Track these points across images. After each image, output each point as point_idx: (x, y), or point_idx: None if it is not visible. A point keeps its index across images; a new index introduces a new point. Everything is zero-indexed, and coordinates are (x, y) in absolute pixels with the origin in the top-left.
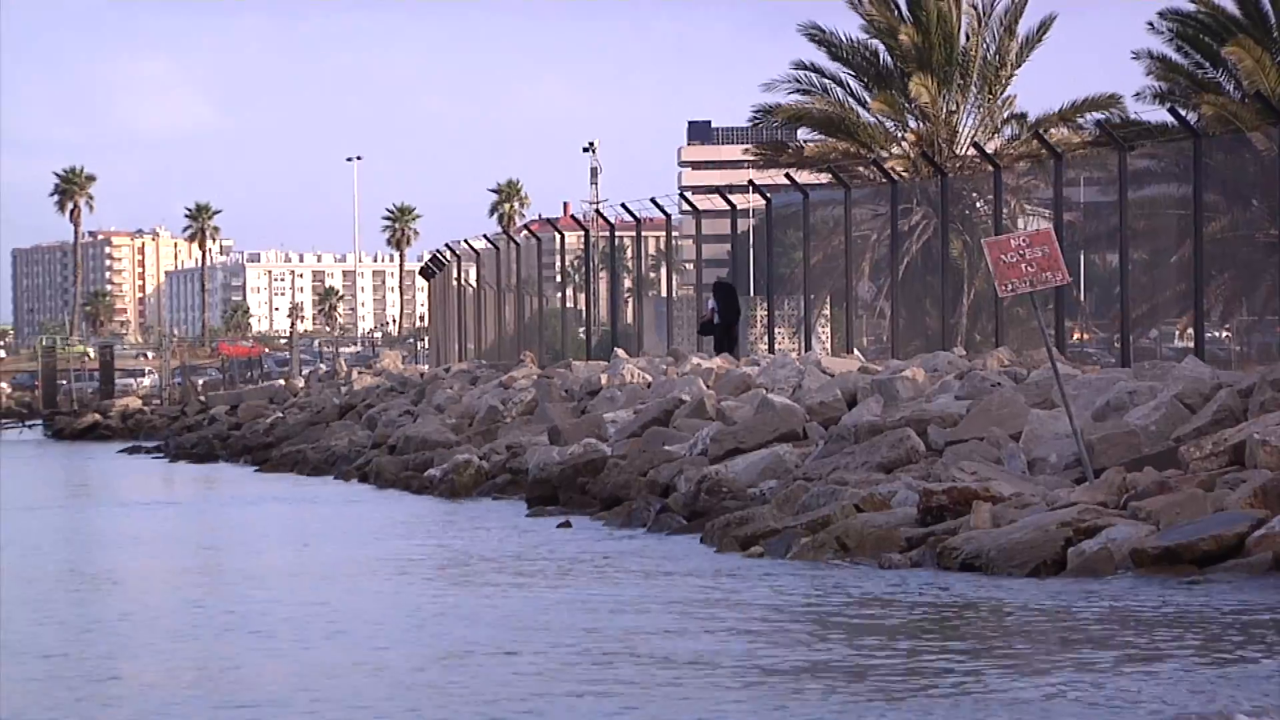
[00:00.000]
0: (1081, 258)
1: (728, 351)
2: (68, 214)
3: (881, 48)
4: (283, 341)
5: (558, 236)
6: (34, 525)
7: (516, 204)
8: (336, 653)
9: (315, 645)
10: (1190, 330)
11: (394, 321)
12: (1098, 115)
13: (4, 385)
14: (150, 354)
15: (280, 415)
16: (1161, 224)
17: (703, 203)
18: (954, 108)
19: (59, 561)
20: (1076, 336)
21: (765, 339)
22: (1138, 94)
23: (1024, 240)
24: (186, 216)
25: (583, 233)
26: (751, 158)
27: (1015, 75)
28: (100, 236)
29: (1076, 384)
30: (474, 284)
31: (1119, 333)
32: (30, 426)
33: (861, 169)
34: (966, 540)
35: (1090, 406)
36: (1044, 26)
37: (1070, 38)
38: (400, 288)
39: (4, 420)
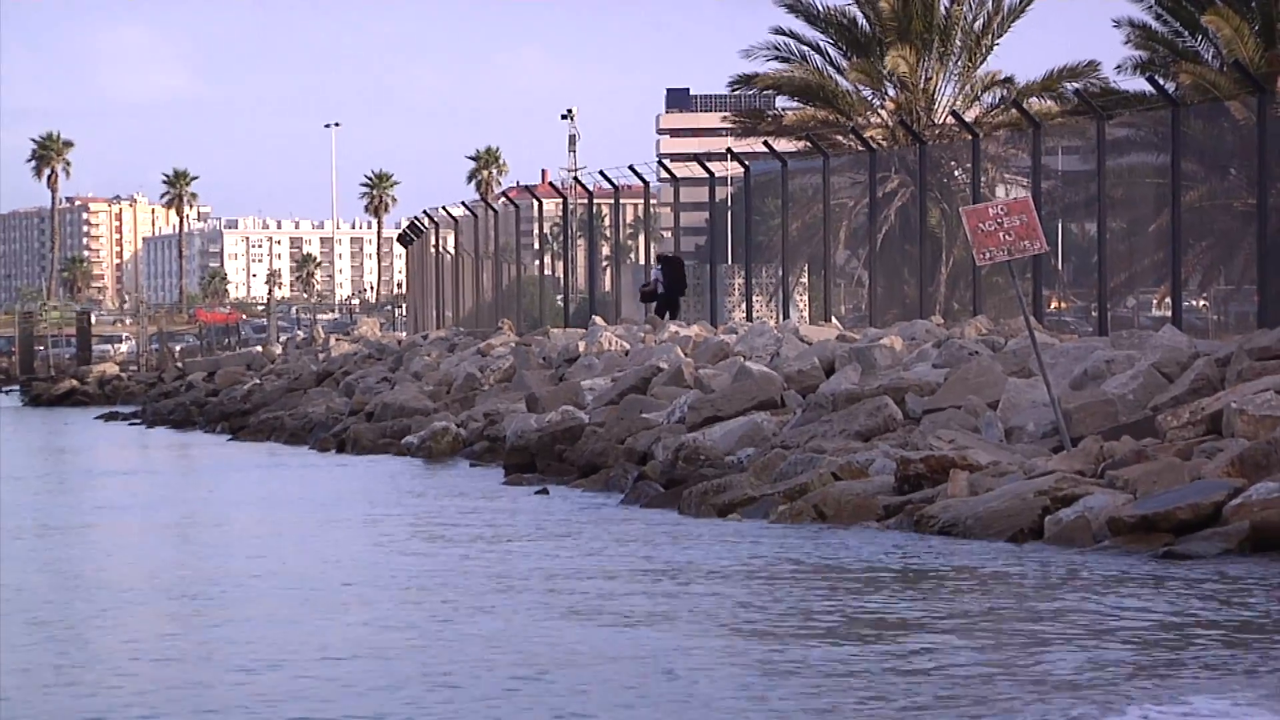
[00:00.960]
0: (1059, 226)
1: (671, 318)
2: (45, 180)
3: (860, 15)
4: (260, 308)
5: (536, 204)
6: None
7: (495, 171)
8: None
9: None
10: (1168, 299)
11: (372, 288)
12: (1076, 85)
13: None
14: (128, 320)
15: (258, 382)
16: (1139, 193)
17: (681, 170)
18: (932, 76)
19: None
20: (1054, 305)
21: (743, 307)
22: (1119, 66)
23: (1002, 209)
24: (164, 183)
25: (561, 200)
26: (730, 126)
27: (997, 44)
28: (78, 203)
29: (1054, 353)
30: (452, 251)
31: (1096, 301)
32: (7, 392)
33: (840, 137)
34: (944, 508)
35: (1068, 375)
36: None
37: (1051, 5)
38: (378, 255)
39: None
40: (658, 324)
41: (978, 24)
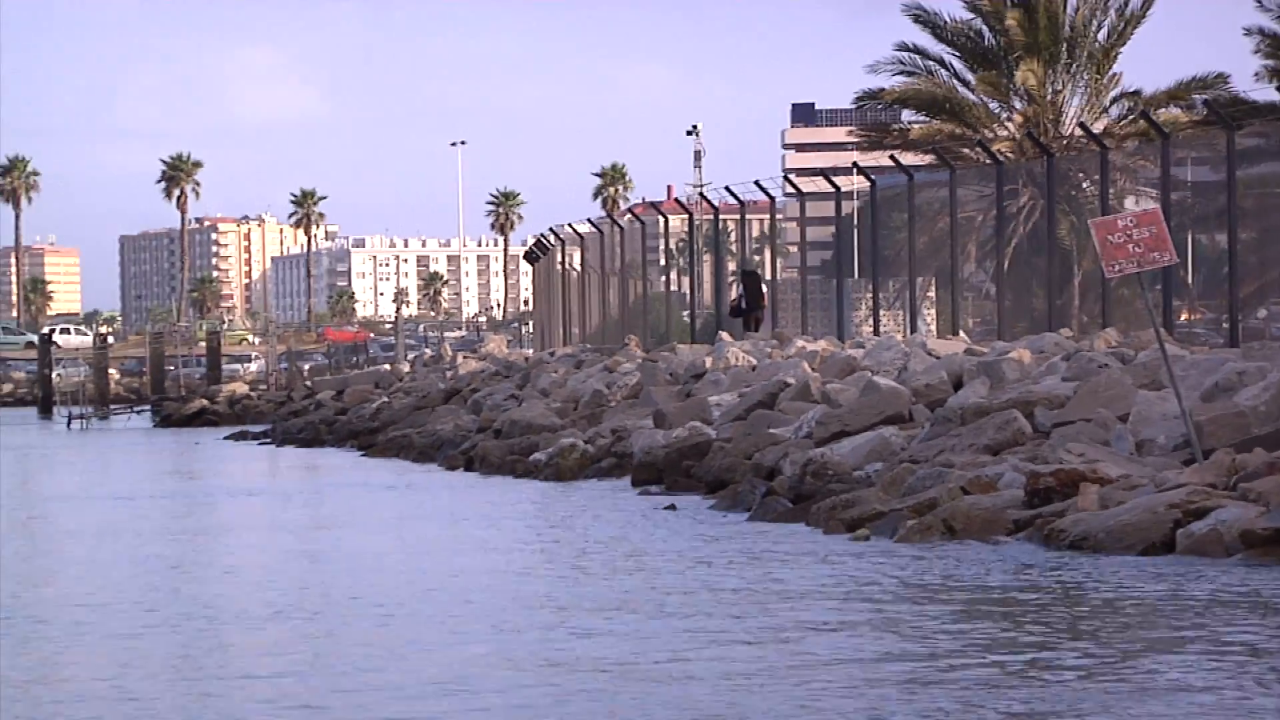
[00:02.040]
0: (1189, 237)
1: (755, 330)
2: (174, 201)
3: (986, 28)
4: (388, 326)
5: (661, 220)
6: (149, 513)
7: (620, 188)
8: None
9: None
10: None
11: (498, 306)
12: (1205, 95)
13: (113, 371)
14: (256, 339)
15: (385, 400)
16: (1270, 203)
17: (807, 185)
18: (1060, 88)
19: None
20: (1184, 317)
21: (870, 321)
22: (1256, 74)
23: (1131, 220)
24: (292, 202)
25: (686, 216)
26: (856, 140)
27: (1120, 53)
28: (207, 223)
29: (1184, 365)
30: (578, 268)
31: (1227, 313)
32: (139, 412)
33: (966, 150)
34: (1074, 522)
35: (1198, 387)
36: (1147, 2)
37: (1177, 17)
38: (504, 272)
39: (113, 406)
40: (785, 339)
41: (1102, 34)
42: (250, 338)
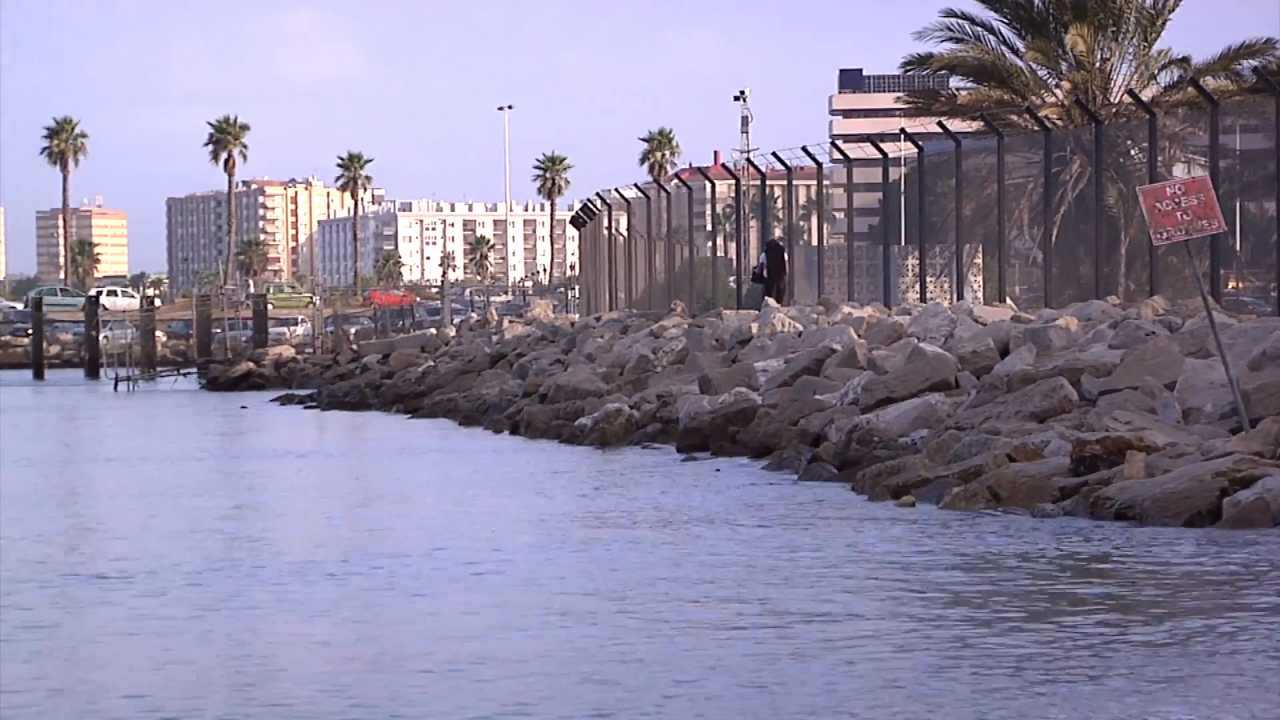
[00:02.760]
0: (1237, 205)
1: (778, 299)
2: (221, 164)
3: None
4: (434, 290)
5: (708, 185)
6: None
7: (667, 153)
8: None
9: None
10: None
11: (545, 270)
12: (1254, 62)
13: (160, 334)
14: (318, 302)
15: (432, 364)
16: None
17: (854, 151)
18: (1108, 55)
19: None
20: (1232, 285)
21: (917, 288)
22: None
23: (1179, 188)
24: (339, 166)
25: (733, 181)
26: (903, 106)
27: (1170, 20)
28: (254, 186)
29: (1232, 333)
30: (625, 233)
31: (1275, 281)
32: (185, 375)
33: (1014, 117)
34: (1120, 490)
35: (1246, 355)
36: None
37: None
38: (551, 237)
39: (160, 369)
40: (831, 305)
41: (1150, 1)
42: (315, 300)
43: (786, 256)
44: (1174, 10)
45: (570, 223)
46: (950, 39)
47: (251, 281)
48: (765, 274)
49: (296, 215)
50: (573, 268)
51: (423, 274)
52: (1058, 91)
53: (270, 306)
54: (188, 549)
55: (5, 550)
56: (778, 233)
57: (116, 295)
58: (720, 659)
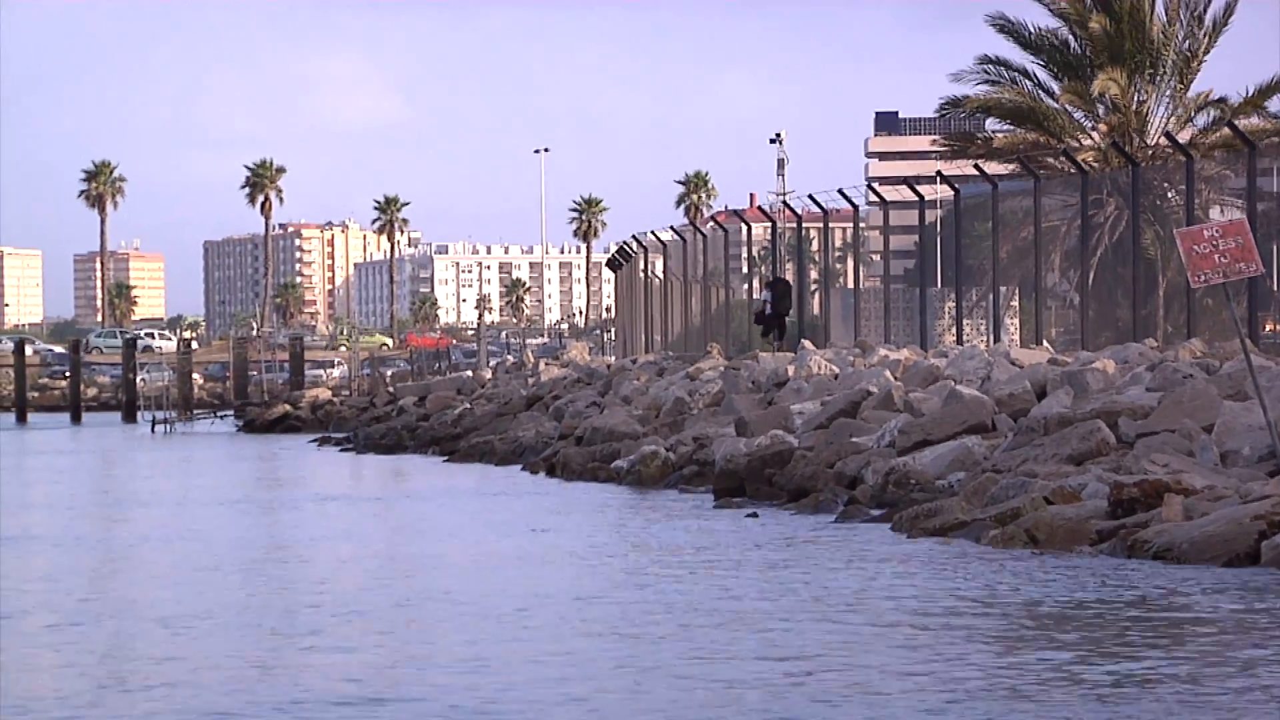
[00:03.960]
0: (1275, 248)
1: (777, 338)
2: (258, 206)
3: (1071, 37)
4: (470, 333)
5: (744, 228)
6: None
7: (703, 195)
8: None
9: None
10: None
11: (581, 313)
12: None
13: (197, 376)
14: (326, 346)
15: (468, 406)
16: None
17: (890, 194)
18: (1144, 98)
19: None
20: (1269, 328)
21: (953, 330)
22: None
23: (1217, 231)
24: (375, 209)
25: (769, 224)
26: (939, 149)
27: (1205, 61)
28: (290, 229)
29: (1270, 375)
30: (660, 275)
31: None
32: (222, 417)
33: (1051, 159)
34: (1158, 533)
35: None
36: (1229, 9)
37: (1258, 21)
38: (587, 279)
39: (197, 411)
40: (868, 347)
41: (1187, 43)
42: (388, 341)
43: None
44: (1209, 52)
45: (606, 265)
46: (986, 81)
47: (325, 323)
48: (769, 311)
49: (333, 258)
50: (609, 310)
51: (459, 316)
52: (1094, 134)
53: (344, 348)
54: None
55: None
56: (789, 275)
57: (155, 338)
58: None
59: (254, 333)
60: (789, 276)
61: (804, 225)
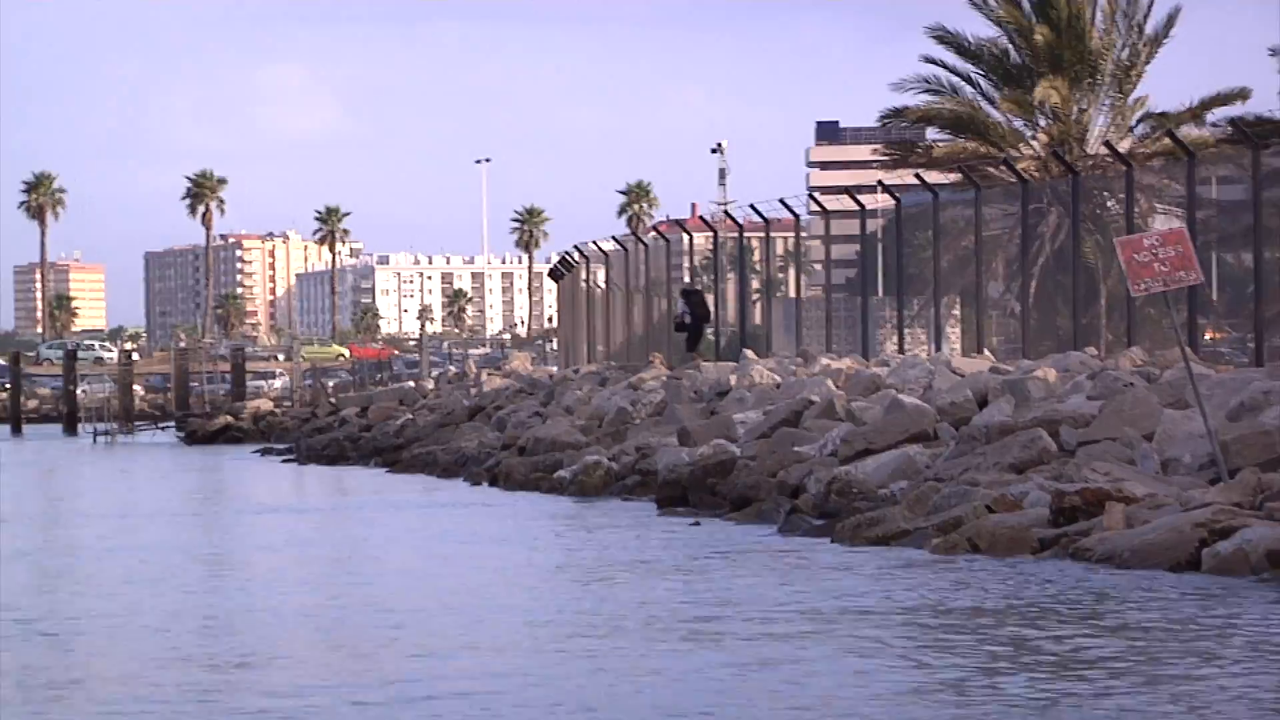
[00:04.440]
0: (1214, 256)
1: (694, 346)
2: (199, 218)
3: (1011, 47)
4: (412, 343)
5: (686, 238)
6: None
7: (645, 205)
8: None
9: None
10: None
11: (523, 323)
12: (1228, 111)
13: (138, 388)
14: (281, 356)
15: (410, 417)
16: None
17: (831, 203)
18: (1085, 107)
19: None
20: (1209, 336)
21: (895, 339)
22: None
23: (1157, 239)
24: (317, 219)
25: (711, 234)
26: (880, 158)
27: (1145, 72)
28: (232, 240)
29: (1210, 384)
30: (603, 285)
31: (1252, 332)
32: (163, 428)
33: (991, 169)
34: (1100, 541)
35: (1224, 406)
36: (1170, 21)
37: (1199, 34)
38: (529, 289)
39: (138, 423)
40: (810, 357)
41: (1125, 53)
42: (345, 353)
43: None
44: (1149, 62)
45: (548, 275)
46: (927, 90)
47: (266, 334)
48: (688, 321)
49: (274, 269)
50: (551, 320)
51: (400, 327)
52: (1034, 144)
53: (302, 360)
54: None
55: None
56: (700, 281)
57: (108, 349)
58: None
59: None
60: (731, 287)
61: (746, 235)
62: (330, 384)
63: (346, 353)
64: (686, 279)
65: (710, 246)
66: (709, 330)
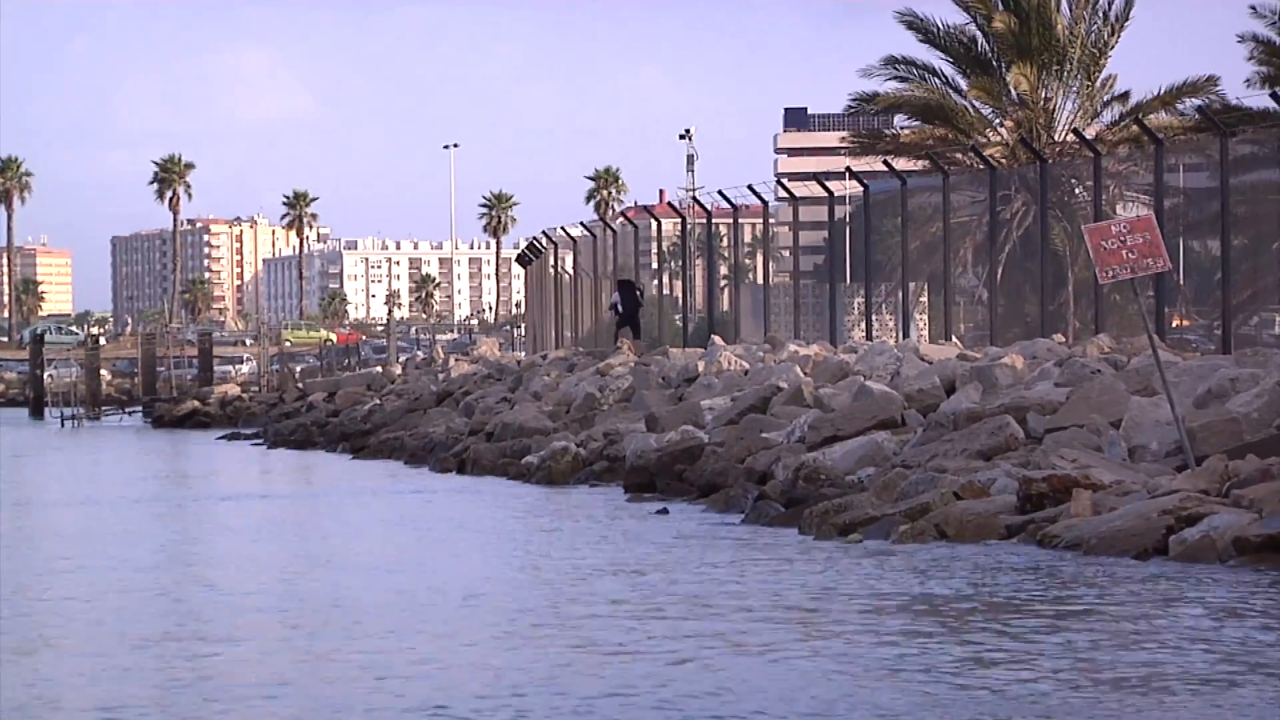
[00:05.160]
0: (1181, 244)
1: (631, 335)
2: (166, 202)
3: (979, 33)
4: (380, 329)
5: (654, 224)
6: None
7: (614, 191)
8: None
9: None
10: None
11: (490, 309)
12: (1197, 100)
13: (105, 372)
14: (248, 341)
15: (378, 402)
16: (1263, 210)
17: (800, 190)
18: (1052, 94)
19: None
20: (1177, 323)
21: (862, 326)
22: (1248, 80)
23: (1125, 226)
24: (284, 204)
25: (679, 220)
26: (848, 145)
27: (1110, 57)
28: (199, 224)
29: (1177, 371)
30: (571, 271)
31: (1220, 319)
32: (130, 413)
33: (960, 155)
34: (1067, 528)
35: (1191, 394)
36: (1128, 4)
37: (1169, 22)
38: (497, 275)
39: (105, 407)
40: (778, 343)
41: (1092, 37)
42: (331, 337)
43: (640, 294)
44: (1114, 47)
45: (516, 261)
46: (895, 77)
47: (234, 319)
48: (620, 309)
49: (241, 254)
50: (518, 306)
51: (368, 312)
52: (1002, 130)
53: (288, 344)
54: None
55: None
56: (698, 271)
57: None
58: None
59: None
60: (699, 273)
61: (714, 221)
62: (298, 369)
63: (333, 337)
64: (654, 265)
65: (678, 233)
66: (642, 318)
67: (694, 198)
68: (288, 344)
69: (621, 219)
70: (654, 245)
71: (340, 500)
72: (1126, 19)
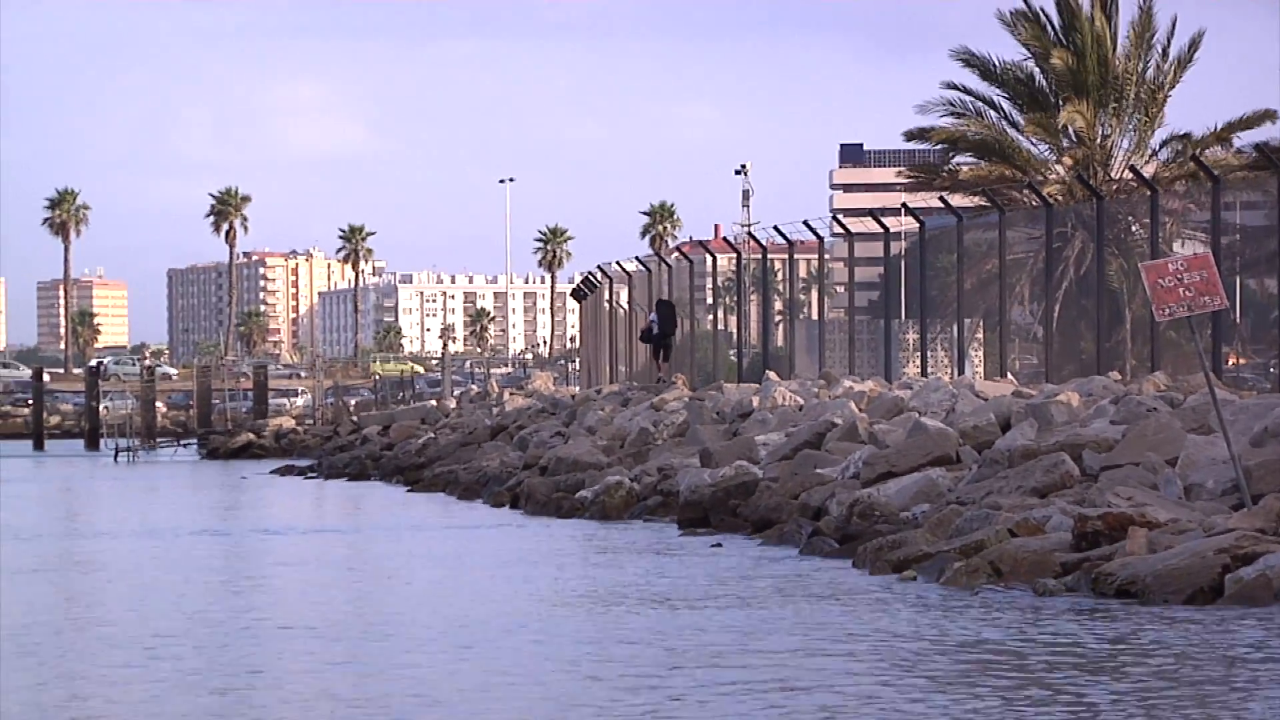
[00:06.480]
0: (1238, 281)
1: (664, 358)
2: (223, 235)
3: (1036, 70)
4: (434, 363)
5: (709, 258)
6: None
7: (668, 226)
8: None
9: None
10: None
11: (545, 343)
12: (1253, 134)
13: (160, 405)
14: (303, 374)
15: (432, 436)
16: None
17: (855, 225)
18: (1109, 131)
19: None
20: (1233, 361)
21: (917, 361)
22: None
23: (1182, 264)
24: (340, 237)
25: (734, 255)
26: (904, 180)
27: (1170, 96)
28: (255, 257)
29: (1234, 409)
30: (625, 306)
31: (1277, 357)
32: (185, 445)
33: (1015, 192)
34: (1122, 566)
35: (1248, 432)
36: (1194, 44)
37: (1223, 54)
38: (551, 309)
39: (160, 439)
40: (832, 379)
41: (1149, 75)
42: (419, 369)
43: (678, 315)
44: (1174, 87)
45: (571, 295)
46: (951, 114)
47: (289, 352)
48: (656, 331)
49: (297, 286)
50: (573, 340)
51: (423, 346)
52: (1059, 167)
53: (377, 377)
54: None
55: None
56: (754, 307)
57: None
58: None
59: (220, 359)
60: (754, 308)
61: (769, 256)
62: (352, 402)
63: (421, 369)
64: (709, 300)
65: (733, 268)
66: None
67: (749, 233)
68: (376, 376)
69: (676, 254)
70: (709, 280)
71: (402, 536)
72: (1190, 61)
